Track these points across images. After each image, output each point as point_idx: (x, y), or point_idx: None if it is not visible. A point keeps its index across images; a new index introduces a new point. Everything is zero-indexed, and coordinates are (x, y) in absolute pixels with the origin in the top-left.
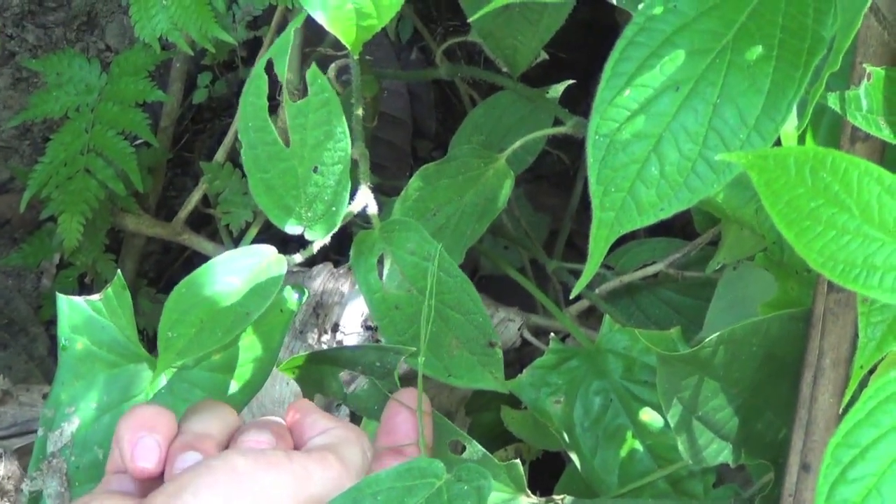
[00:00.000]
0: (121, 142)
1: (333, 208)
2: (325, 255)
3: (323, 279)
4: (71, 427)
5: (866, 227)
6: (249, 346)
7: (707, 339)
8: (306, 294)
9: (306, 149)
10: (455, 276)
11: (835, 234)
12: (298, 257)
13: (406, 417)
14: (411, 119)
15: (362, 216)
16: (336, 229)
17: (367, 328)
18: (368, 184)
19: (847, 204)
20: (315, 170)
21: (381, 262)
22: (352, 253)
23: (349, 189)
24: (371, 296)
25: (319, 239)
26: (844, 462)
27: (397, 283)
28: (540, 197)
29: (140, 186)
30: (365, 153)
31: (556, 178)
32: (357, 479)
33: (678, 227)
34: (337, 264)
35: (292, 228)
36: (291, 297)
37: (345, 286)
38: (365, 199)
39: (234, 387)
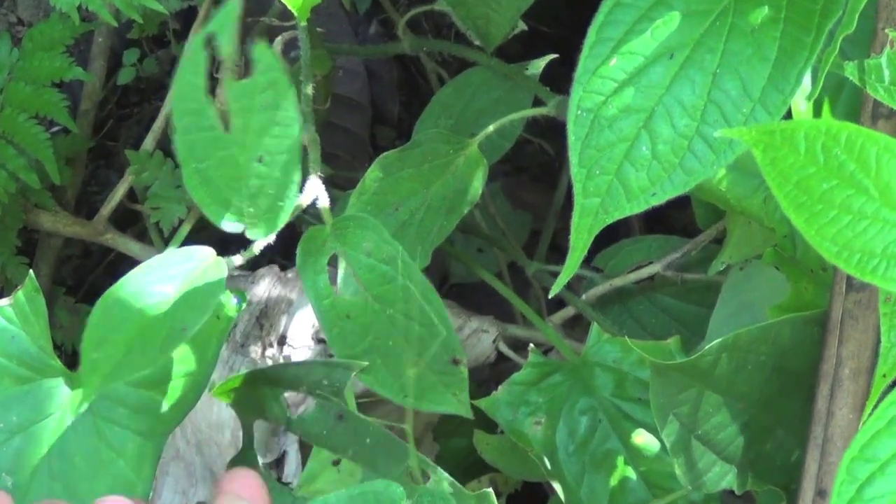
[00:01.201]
0: (34, 127)
1: (279, 203)
2: (270, 260)
3: (268, 285)
4: None
5: (886, 211)
6: (182, 359)
7: (708, 347)
8: (246, 298)
9: (249, 135)
10: (417, 282)
11: (850, 220)
12: (239, 259)
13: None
14: (370, 102)
15: (313, 213)
16: (281, 227)
17: (320, 341)
18: (320, 174)
19: (864, 185)
20: (259, 159)
21: (332, 264)
22: (298, 252)
23: (298, 181)
24: (319, 302)
25: (262, 238)
26: (861, 479)
27: (350, 289)
28: (520, 192)
29: (57, 179)
30: (316, 139)
31: (539, 170)
32: None
33: (679, 227)
34: (284, 269)
35: (231, 226)
36: (230, 301)
37: (293, 293)
38: (315, 192)
39: (163, 405)
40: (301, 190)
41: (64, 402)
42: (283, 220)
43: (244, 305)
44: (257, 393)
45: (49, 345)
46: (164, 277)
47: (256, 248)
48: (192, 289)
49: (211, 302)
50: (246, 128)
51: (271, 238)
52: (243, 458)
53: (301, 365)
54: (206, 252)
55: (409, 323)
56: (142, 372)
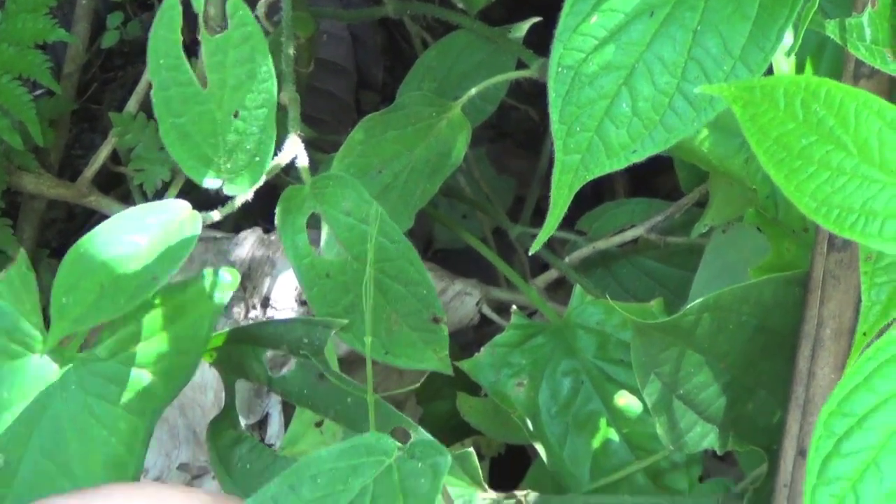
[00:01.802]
0: (17, 88)
1: (257, 158)
2: (254, 223)
3: (251, 246)
4: None
5: (865, 168)
6: (174, 337)
7: (689, 306)
8: (237, 278)
9: (226, 90)
10: (397, 241)
11: (829, 176)
12: (216, 214)
13: None
14: (355, 67)
15: (295, 176)
16: (260, 183)
17: (303, 303)
18: (299, 133)
19: (843, 141)
20: (236, 115)
21: (313, 225)
22: (277, 211)
23: (275, 136)
24: (299, 262)
25: (241, 193)
26: (839, 433)
27: (329, 248)
28: (504, 158)
29: (40, 140)
30: (296, 97)
31: (523, 136)
32: None
33: (664, 192)
34: (267, 232)
35: (210, 181)
36: (223, 279)
37: (276, 254)
38: (294, 150)
39: (153, 381)
40: (280, 148)
41: (54, 378)
42: (261, 175)
43: (237, 285)
44: (239, 351)
45: (40, 321)
46: (137, 228)
47: (237, 202)
48: (165, 242)
49: (183, 254)
50: (222, 83)
51: (249, 194)
52: (225, 417)
53: (281, 323)
54: (181, 205)
55: (389, 282)
56: (109, 317)
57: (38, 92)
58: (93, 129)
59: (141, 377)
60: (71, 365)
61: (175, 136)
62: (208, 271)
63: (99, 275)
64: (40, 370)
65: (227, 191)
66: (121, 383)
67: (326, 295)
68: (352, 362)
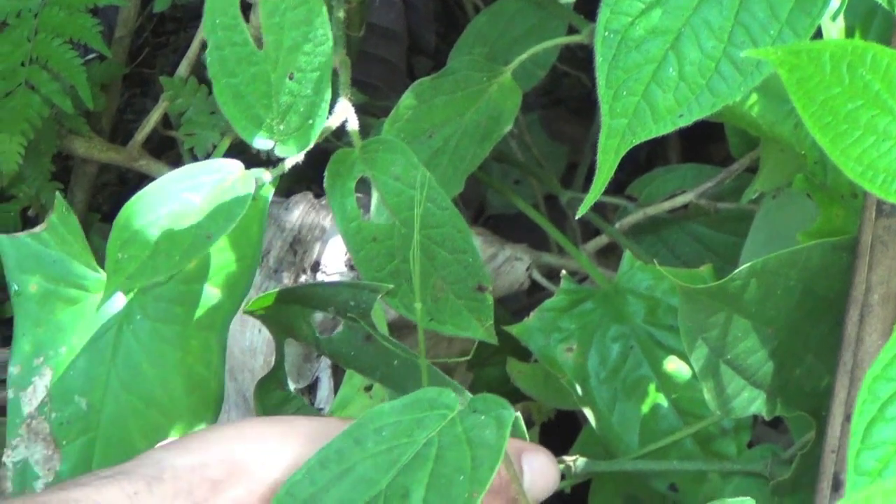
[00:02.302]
0: (68, 52)
1: (310, 121)
2: (305, 188)
3: (301, 211)
4: (44, 381)
5: None
6: (224, 247)
7: (737, 271)
8: (276, 179)
9: (282, 52)
10: (445, 207)
11: (875, 140)
12: (267, 175)
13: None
14: (407, 32)
15: (347, 142)
16: (311, 146)
17: (352, 268)
18: (350, 97)
19: (890, 105)
20: (291, 76)
21: (362, 190)
22: (326, 174)
23: (329, 100)
24: (346, 225)
25: (292, 155)
26: (883, 398)
27: (378, 213)
28: (557, 124)
29: (90, 104)
30: (346, 61)
31: (576, 102)
32: None
33: (717, 160)
34: (318, 197)
35: (262, 142)
36: (262, 178)
37: (326, 220)
38: (344, 114)
39: (216, 294)
40: (331, 113)
41: (118, 315)
42: (313, 137)
43: (276, 183)
44: (288, 311)
45: (92, 259)
46: (191, 186)
47: (287, 164)
48: (218, 200)
49: (237, 213)
50: (278, 44)
51: (300, 157)
52: (273, 376)
53: (329, 286)
54: (233, 165)
55: (436, 248)
56: (164, 275)
57: (90, 56)
58: (144, 94)
59: (201, 293)
60: (132, 296)
61: (229, 96)
62: (247, 173)
63: (153, 231)
64: (105, 308)
65: (278, 152)
66: (184, 303)
67: (373, 259)
68: (399, 328)
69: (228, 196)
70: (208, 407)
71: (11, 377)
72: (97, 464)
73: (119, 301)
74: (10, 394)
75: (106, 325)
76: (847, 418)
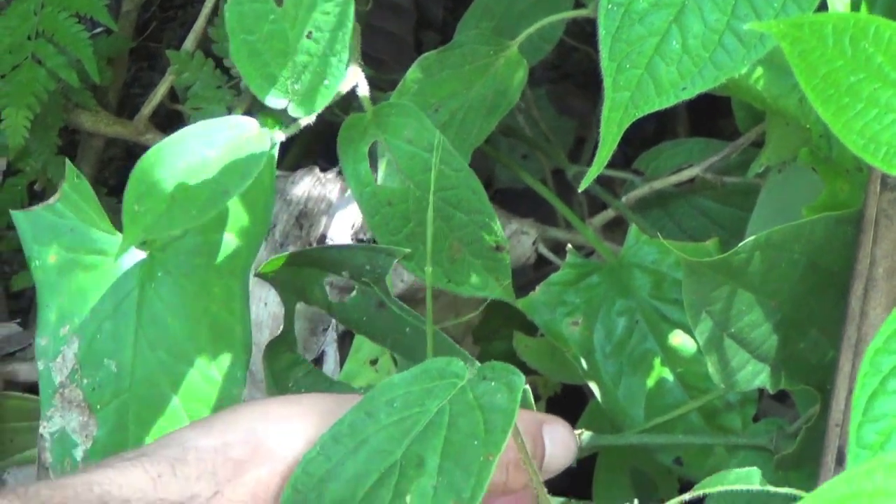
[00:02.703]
0: (75, 26)
1: (326, 81)
2: (312, 162)
3: (307, 185)
4: (72, 349)
5: None
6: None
7: (741, 245)
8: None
9: (301, 9)
10: (459, 169)
11: (878, 113)
12: (280, 134)
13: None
14: (414, 6)
15: (356, 108)
16: (312, 118)
17: (359, 241)
18: (359, 62)
19: (892, 78)
20: (308, 35)
21: (372, 153)
22: (339, 140)
23: (346, 60)
24: (361, 189)
25: (306, 115)
26: (885, 371)
27: (392, 177)
28: (565, 99)
29: (97, 78)
30: (356, 27)
31: (584, 77)
32: None
33: (726, 135)
34: (324, 171)
35: (275, 101)
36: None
37: (332, 193)
38: (355, 79)
39: (234, 241)
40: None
41: (141, 275)
42: (328, 98)
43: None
44: (300, 274)
45: (107, 223)
46: (208, 142)
47: (302, 123)
48: (234, 156)
49: (253, 170)
50: (298, 1)
51: (312, 118)
52: (283, 340)
53: (344, 248)
54: (250, 122)
55: (451, 210)
56: (181, 227)
57: (97, 30)
58: (151, 68)
59: (218, 242)
60: (150, 253)
61: (245, 54)
62: (262, 131)
63: (170, 184)
64: (123, 271)
65: (291, 112)
66: (204, 253)
67: (388, 223)
68: (408, 300)
69: (244, 152)
70: (236, 352)
71: (39, 349)
72: (133, 423)
73: (139, 259)
74: (40, 365)
75: (128, 286)
76: (852, 392)
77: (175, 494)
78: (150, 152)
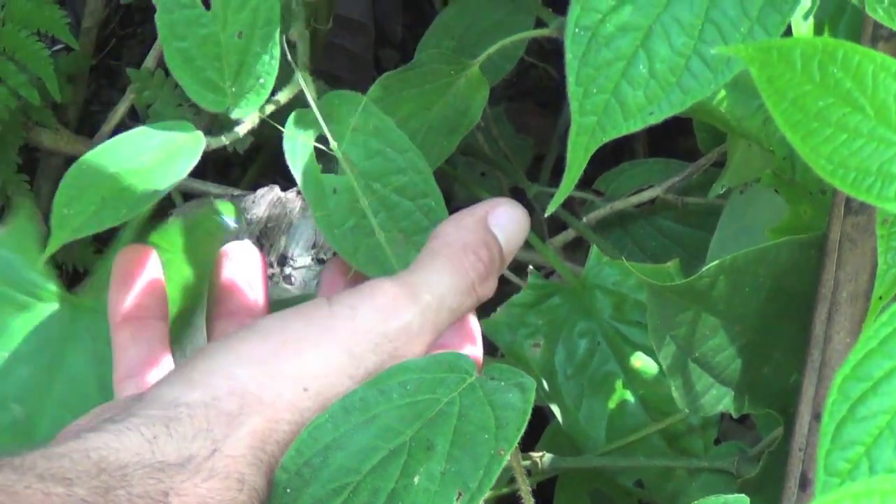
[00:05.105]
0: (35, 44)
1: (261, 80)
2: (271, 181)
3: (268, 204)
4: None
5: (882, 130)
6: (181, 276)
7: (705, 269)
8: (246, 218)
9: (229, 10)
10: (405, 150)
11: (846, 138)
12: (223, 139)
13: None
14: (374, 23)
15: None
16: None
17: (320, 261)
18: (307, 66)
19: (860, 103)
20: (239, 35)
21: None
22: (285, 135)
23: (279, 56)
24: (306, 180)
25: (245, 116)
26: (853, 398)
27: (336, 164)
28: (524, 117)
29: (58, 96)
30: (305, 34)
31: (543, 95)
32: None
33: (684, 153)
34: (285, 190)
35: (215, 105)
36: (227, 209)
37: (293, 212)
38: (302, 83)
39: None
40: (289, 83)
41: (65, 326)
42: (265, 96)
43: (243, 223)
44: None
45: (47, 269)
46: (140, 148)
47: (242, 130)
48: (168, 160)
49: (184, 168)
50: (226, 3)
51: (255, 119)
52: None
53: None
54: (184, 126)
55: (396, 197)
56: (109, 226)
57: (57, 47)
58: (111, 85)
59: None
60: (82, 313)
61: (179, 61)
62: (196, 133)
63: (101, 188)
64: (52, 320)
65: (232, 115)
66: None
67: (331, 215)
68: None
69: (178, 156)
70: None
71: None
72: None
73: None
74: None
75: (51, 335)
76: (815, 416)
77: (173, 456)
78: (82, 159)
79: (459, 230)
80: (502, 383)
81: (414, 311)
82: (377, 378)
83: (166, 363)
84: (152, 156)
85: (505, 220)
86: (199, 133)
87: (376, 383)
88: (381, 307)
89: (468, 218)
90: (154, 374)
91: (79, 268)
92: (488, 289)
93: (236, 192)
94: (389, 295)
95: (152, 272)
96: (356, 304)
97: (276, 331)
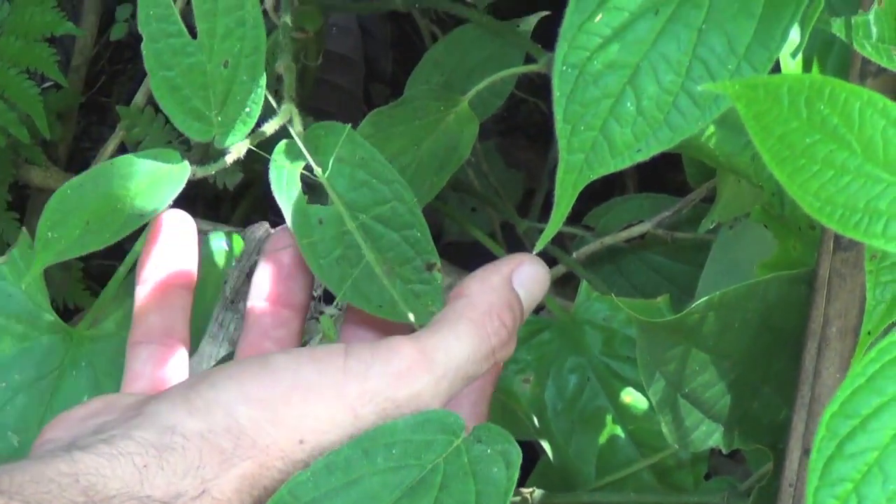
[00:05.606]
0: (25, 82)
1: (247, 109)
2: (262, 217)
3: (258, 241)
4: None
5: (869, 167)
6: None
7: (694, 304)
8: (241, 244)
9: (215, 40)
10: (391, 181)
11: (833, 175)
12: (211, 169)
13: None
14: (363, 59)
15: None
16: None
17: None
18: (293, 97)
19: (847, 140)
20: (225, 64)
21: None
22: (271, 166)
23: (264, 84)
24: (292, 211)
25: (231, 145)
26: (841, 434)
27: (324, 197)
28: (514, 152)
29: (47, 133)
30: (291, 66)
31: (533, 130)
32: None
33: (674, 188)
34: (275, 226)
35: (201, 135)
36: (219, 244)
37: None
38: (288, 114)
39: None
40: (275, 115)
41: (64, 358)
42: (251, 125)
43: (237, 251)
44: None
45: (46, 301)
46: (127, 174)
47: (229, 159)
48: (154, 186)
49: (169, 195)
50: (212, 32)
51: (243, 149)
52: None
53: None
54: (170, 154)
55: (382, 228)
56: (93, 249)
57: (46, 85)
58: (101, 122)
59: None
60: (80, 343)
61: (165, 90)
62: (183, 163)
63: (85, 212)
64: (50, 351)
65: (218, 144)
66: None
67: (317, 247)
68: None
69: (164, 183)
70: None
71: None
72: None
73: (64, 349)
74: None
75: (51, 366)
76: (805, 452)
77: (160, 490)
78: (67, 184)
79: (485, 291)
80: (488, 450)
81: (427, 380)
82: (364, 436)
83: (182, 338)
84: (138, 182)
85: (528, 279)
86: (185, 162)
87: (362, 443)
88: (394, 373)
89: (494, 277)
90: (168, 346)
91: (69, 304)
92: (507, 353)
93: (226, 228)
94: (406, 361)
95: (187, 238)
96: (371, 363)
97: (288, 374)
